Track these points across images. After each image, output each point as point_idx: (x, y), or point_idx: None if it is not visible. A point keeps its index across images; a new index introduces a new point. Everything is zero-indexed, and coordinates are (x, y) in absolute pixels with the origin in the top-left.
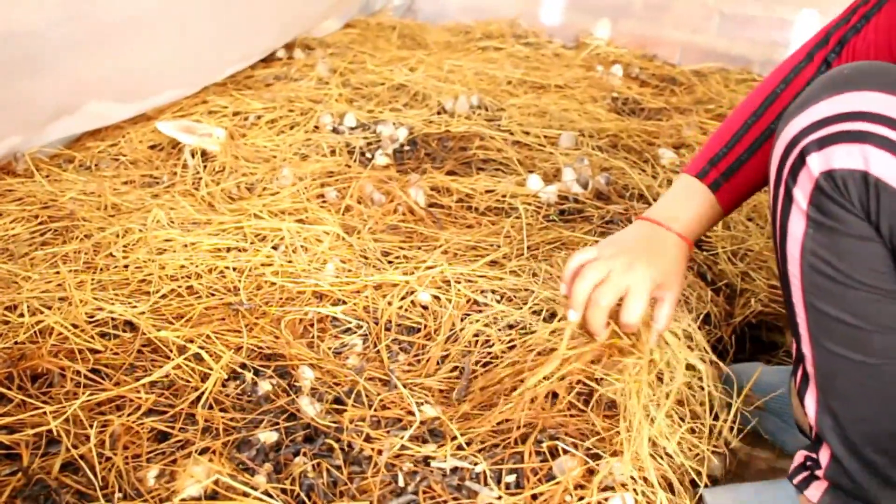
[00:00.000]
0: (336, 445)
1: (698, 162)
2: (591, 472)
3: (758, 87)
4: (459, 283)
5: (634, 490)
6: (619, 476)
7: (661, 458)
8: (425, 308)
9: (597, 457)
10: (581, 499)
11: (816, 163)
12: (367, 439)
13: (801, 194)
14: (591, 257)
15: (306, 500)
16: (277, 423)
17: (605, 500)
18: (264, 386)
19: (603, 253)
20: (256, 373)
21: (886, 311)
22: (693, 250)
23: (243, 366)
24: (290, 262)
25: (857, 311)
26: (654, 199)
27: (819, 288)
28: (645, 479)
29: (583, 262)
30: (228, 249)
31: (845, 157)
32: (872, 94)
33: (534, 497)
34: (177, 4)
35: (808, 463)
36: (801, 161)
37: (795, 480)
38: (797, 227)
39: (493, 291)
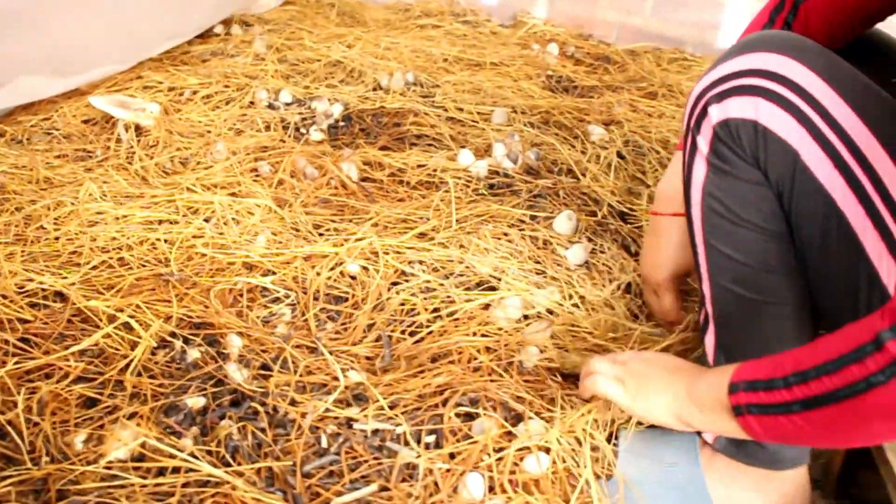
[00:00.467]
0: (261, 409)
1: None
2: (510, 434)
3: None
4: (388, 254)
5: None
6: (535, 437)
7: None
8: (353, 279)
9: (518, 418)
10: (499, 459)
11: (716, 113)
12: (292, 403)
13: (704, 142)
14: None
15: (231, 460)
16: (205, 389)
17: (521, 459)
18: (193, 354)
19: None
20: (186, 341)
21: (771, 250)
22: None
23: (173, 334)
24: (221, 234)
25: (747, 249)
26: (583, 174)
27: (716, 228)
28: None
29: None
30: (160, 222)
31: (739, 108)
32: (769, 54)
33: (452, 456)
34: None
35: None
36: (703, 112)
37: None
38: (699, 172)
39: (421, 262)
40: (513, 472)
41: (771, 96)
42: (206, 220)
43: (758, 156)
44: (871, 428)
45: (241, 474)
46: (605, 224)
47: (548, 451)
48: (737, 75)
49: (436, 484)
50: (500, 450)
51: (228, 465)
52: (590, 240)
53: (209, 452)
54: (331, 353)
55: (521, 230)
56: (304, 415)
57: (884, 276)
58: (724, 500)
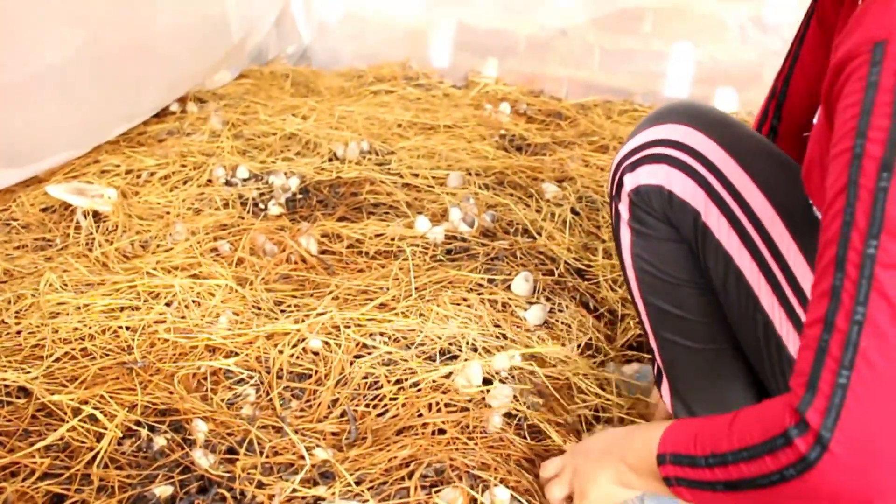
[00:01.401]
0: (228, 494)
1: None
2: (475, 502)
3: None
4: (349, 327)
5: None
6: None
7: None
8: (316, 354)
9: (485, 486)
10: None
11: (629, 181)
12: (259, 486)
13: (624, 209)
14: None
15: None
16: (172, 477)
17: None
18: (159, 441)
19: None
20: (151, 429)
21: (702, 301)
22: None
23: (138, 423)
24: (182, 317)
25: (680, 302)
26: (538, 233)
27: (650, 286)
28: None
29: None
30: (122, 309)
31: (648, 175)
32: (675, 126)
33: None
34: (54, 69)
35: None
36: (620, 182)
37: None
38: (625, 237)
39: (382, 334)
40: None
41: (675, 163)
42: (168, 304)
43: (668, 216)
44: None
45: None
46: (563, 282)
47: None
48: (647, 145)
49: None
50: None
51: None
52: (548, 299)
53: None
54: (296, 431)
55: (479, 294)
56: (271, 497)
57: (778, 326)
58: None
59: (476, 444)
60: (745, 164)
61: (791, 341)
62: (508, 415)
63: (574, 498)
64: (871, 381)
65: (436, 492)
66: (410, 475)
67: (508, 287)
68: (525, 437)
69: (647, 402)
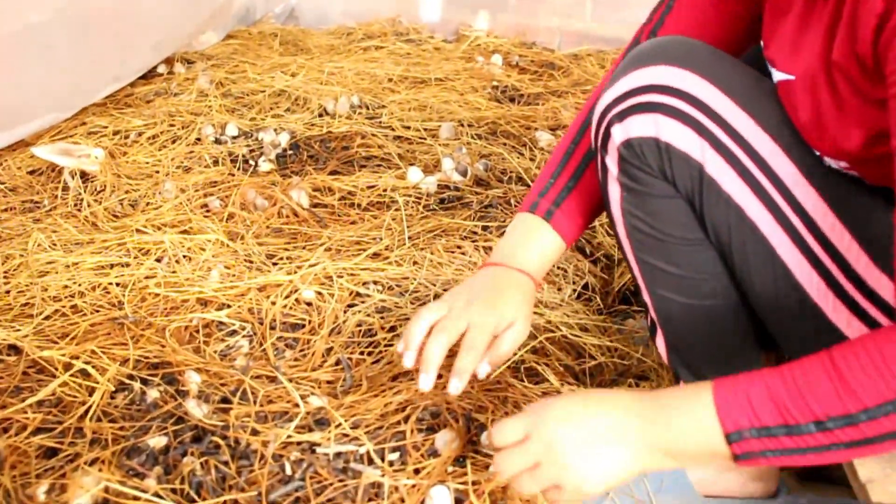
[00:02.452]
0: (223, 442)
1: (529, 198)
2: (473, 443)
3: (577, 115)
4: (342, 277)
5: None
6: None
7: None
8: (309, 305)
9: (481, 428)
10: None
11: (619, 133)
12: (254, 433)
13: (612, 163)
14: (441, 314)
15: (196, 497)
16: (166, 428)
17: (486, 467)
18: (152, 394)
19: (454, 306)
20: (144, 382)
21: (698, 257)
22: (540, 286)
23: (131, 377)
24: (173, 272)
25: (676, 260)
26: (532, 181)
27: (642, 244)
28: None
29: (435, 321)
30: (112, 266)
31: (640, 126)
32: (664, 67)
33: (416, 471)
34: (35, 29)
35: None
36: (607, 133)
37: None
38: (614, 192)
39: (375, 282)
40: (477, 483)
41: (669, 111)
42: (158, 261)
43: (664, 171)
44: None
45: None
46: None
47: None
48: (634, 92)
49: (402, 501)
50: (464, 460)
51: (193, 501)
52: None
53: (174, 491)
54: (290, 380)
55: (473, 242)
56: (266, 444)
57: (798, 274)
58: (705, 485)
59: (472, 386)
60: (746, 106)
61: (814, 287)
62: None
63: (554, 491)
64: None
65: (432, 434)
66: (406, 419)
67: (503, 234)
68: (522, 380)
69: (641, 350)
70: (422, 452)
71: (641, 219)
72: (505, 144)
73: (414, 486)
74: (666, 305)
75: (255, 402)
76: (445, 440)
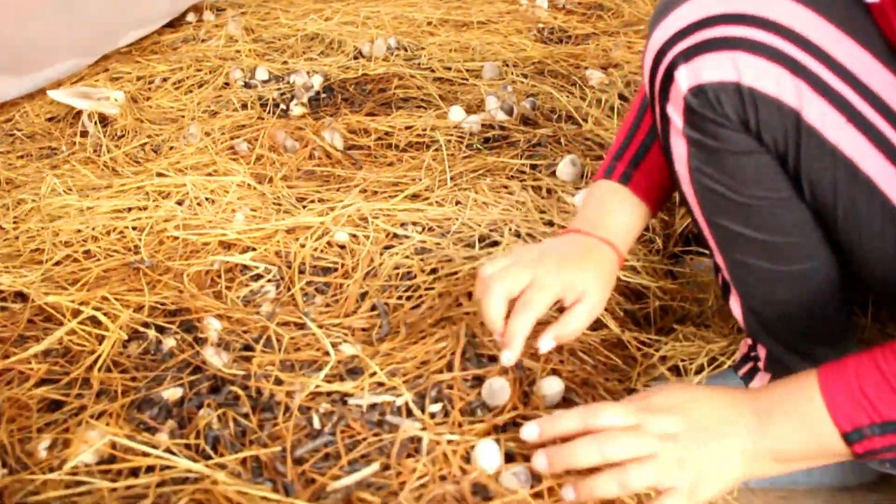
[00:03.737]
0: (243, 393)
1: (604, 163)
2: (525, 395)
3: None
4: (378, 218)
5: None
6: (552, 396)
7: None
8: (342, 247)
9: (531, 378)
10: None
11: (685, 77)
12: (278, 383)
13: (676, 114)
14: (505, 264)
15: (212, 452)
16: (181, 378)
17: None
18: (168, 342)
19: (521, 258)
20: (160, 330)
21: (782, 217)
22: (624, 261)
23: (145, 324)
24: (194, 215)
25: (758, 224)
26: (584, 120)
27: (715, 205)
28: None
29: (496, 271)
30: (128, 210)
31: (714, 68)
32: None
33: (460, 425)
34: None
35: (752, 353)
36: (669, 77)
37: (740, 372)
38: (679, 148)
39: (414, 224)
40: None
41: (752, 47)
42: (179, 203)
43: (747, 121)
44: None
45: (223, 466)
46: None
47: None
48: (704, 24)
49: (445, 458)
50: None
51: (209, 457)
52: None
53: (187, 446)
54: (320, 327)
55: (521, 181)
56: (291, 394)
57: None
58: None
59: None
60: (851, 31)
61: None
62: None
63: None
64: None
65: (478, 385)
66: (449, 367)
67: (553, 173)
68: None
69: (712, 296)
70: (467, 404)
71: (715, 178)
72: (553, 83)
73: (458, 441)
74: (745, 271)
75: (280, 350)
76: (493, 391)
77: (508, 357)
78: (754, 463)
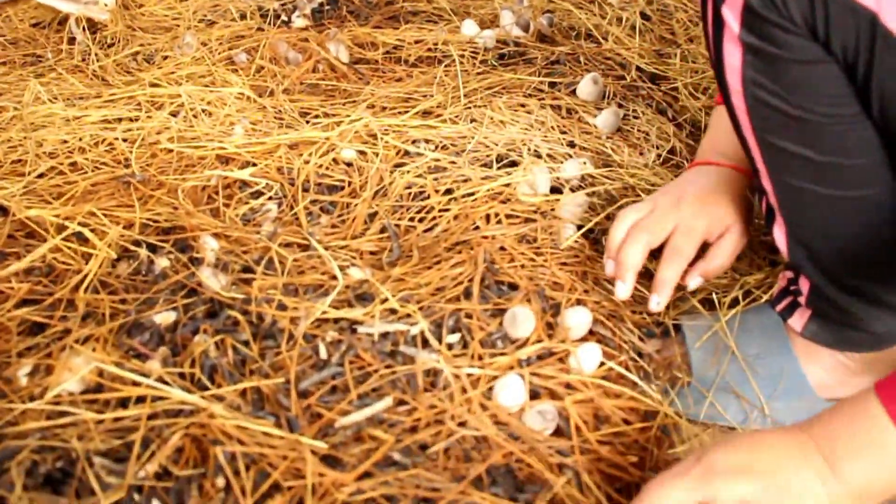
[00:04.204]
0: (243, 318)
1: None
2: (549, 326)
3: None
4: (388, 134)
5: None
6: (579, 327)
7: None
8: (349, 165)
9: (557, 309)
10: (539, 357)
11: None
12: (281, 308)
13: (732, 16)
14: (647, 210)
15: (209, 383)
16: (175, 301)
17: (566, 355)
18: (161, 262)
19: (660, 203)
20: (153, 249)
21: (850, 138)
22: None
23: (136, 243)
24: (190, 126)
25: (820, 144)
26: (604, 38)
27: (770, 122)
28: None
29: (641, 220)
30: (119, 120)
31: None
32: None
33: (480, 357)
34: None
35: (791, 287)
36: None
37: (778, 307)
38: (733, 55)
39: (427, 141)
40: (551, 377)
41: None
42: (174, 115)
43: (814, 25)
44: None
45: (220, 398)
46: (636, 88)
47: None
48: None
49: (464, 391)
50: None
51: (206, 388)
52: (620, 105)
53: (181, 376)
54: (326, 248)
55: (540, 100)
56: (295, 321)
57: None
58: (826, 389)
59: (546, 259)
60: None
61: None
62: (582, 229)
63: None
64: None
65: (499, 315)
66: (467, 295)
67: (573, 92)
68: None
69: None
70: (488, 334)
71: (772, 90)
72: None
73: (478, 375)
74: (795, 196)
75: (283, 273)
76: (516, 321)
77: (658, 302)
78: None
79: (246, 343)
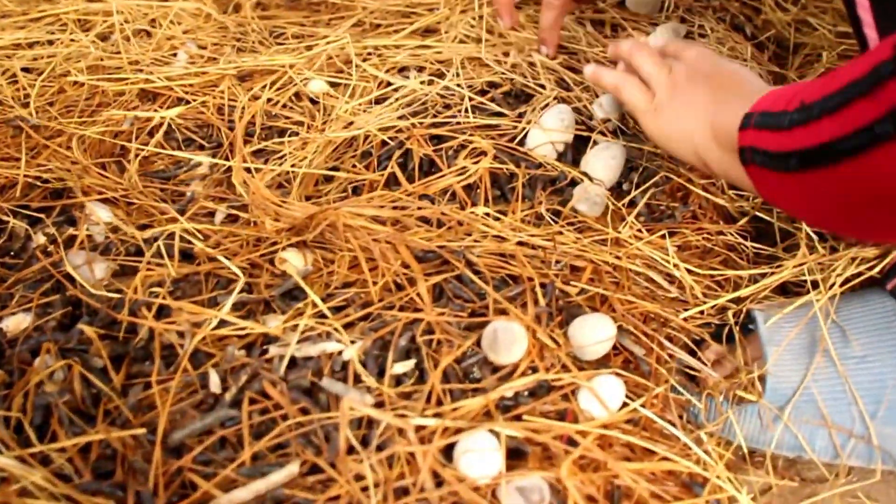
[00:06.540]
0: (105, 331)
1: None
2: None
3: None
4: (369, 58)
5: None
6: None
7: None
8: (314, 103)
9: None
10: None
11: None
12: (162, 314)
13: None
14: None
15: (34, 435)
16: (31, 300)
17: (575, 389)
18: (39, 239)
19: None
20: (32, 222)
21: None
22: None
23: (13, 211)
24: (117, 52)
25: None
26: None
27: None
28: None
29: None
30: (31, 45)
31: None
32: None
33: (439, 399)
34: None
35: None
36: None
37: (889, 285)
38: None
39: (421, 69)
40: (545, 429)
41: None
42: (103, 39)
43: None
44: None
45: (47, 461)
46: None
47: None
48: None
49: (411, 457)
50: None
51: (28, 444)
52: (683, 20)
53: (5, 421)
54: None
55: (576, 15)
56: (180, 334)
57: None
58: None
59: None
60: None
61: None
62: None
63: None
64: None
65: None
66: (439, 296)
67: (621, 3)
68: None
69: None
70: (454, 360)
71: None
72: None
73: (433, 428)
74: None
75: (189, 261)
76: (498, 340)
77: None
78: (701, 135)
79: (104, 371)
